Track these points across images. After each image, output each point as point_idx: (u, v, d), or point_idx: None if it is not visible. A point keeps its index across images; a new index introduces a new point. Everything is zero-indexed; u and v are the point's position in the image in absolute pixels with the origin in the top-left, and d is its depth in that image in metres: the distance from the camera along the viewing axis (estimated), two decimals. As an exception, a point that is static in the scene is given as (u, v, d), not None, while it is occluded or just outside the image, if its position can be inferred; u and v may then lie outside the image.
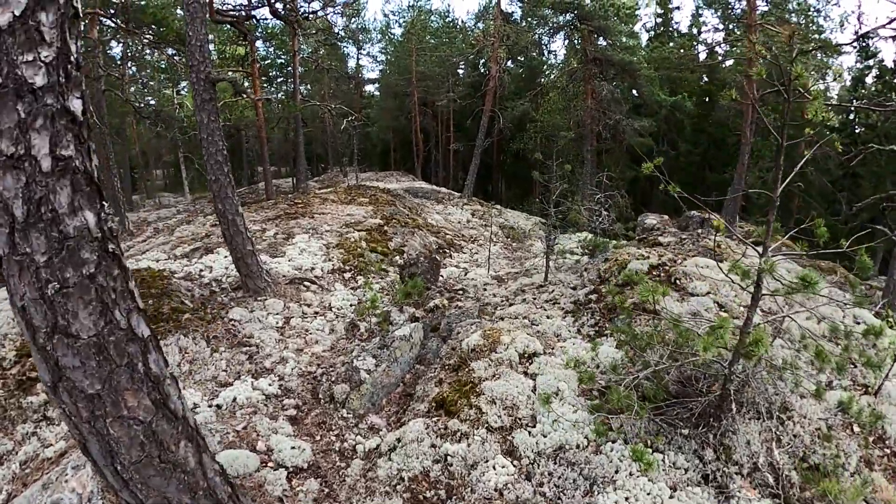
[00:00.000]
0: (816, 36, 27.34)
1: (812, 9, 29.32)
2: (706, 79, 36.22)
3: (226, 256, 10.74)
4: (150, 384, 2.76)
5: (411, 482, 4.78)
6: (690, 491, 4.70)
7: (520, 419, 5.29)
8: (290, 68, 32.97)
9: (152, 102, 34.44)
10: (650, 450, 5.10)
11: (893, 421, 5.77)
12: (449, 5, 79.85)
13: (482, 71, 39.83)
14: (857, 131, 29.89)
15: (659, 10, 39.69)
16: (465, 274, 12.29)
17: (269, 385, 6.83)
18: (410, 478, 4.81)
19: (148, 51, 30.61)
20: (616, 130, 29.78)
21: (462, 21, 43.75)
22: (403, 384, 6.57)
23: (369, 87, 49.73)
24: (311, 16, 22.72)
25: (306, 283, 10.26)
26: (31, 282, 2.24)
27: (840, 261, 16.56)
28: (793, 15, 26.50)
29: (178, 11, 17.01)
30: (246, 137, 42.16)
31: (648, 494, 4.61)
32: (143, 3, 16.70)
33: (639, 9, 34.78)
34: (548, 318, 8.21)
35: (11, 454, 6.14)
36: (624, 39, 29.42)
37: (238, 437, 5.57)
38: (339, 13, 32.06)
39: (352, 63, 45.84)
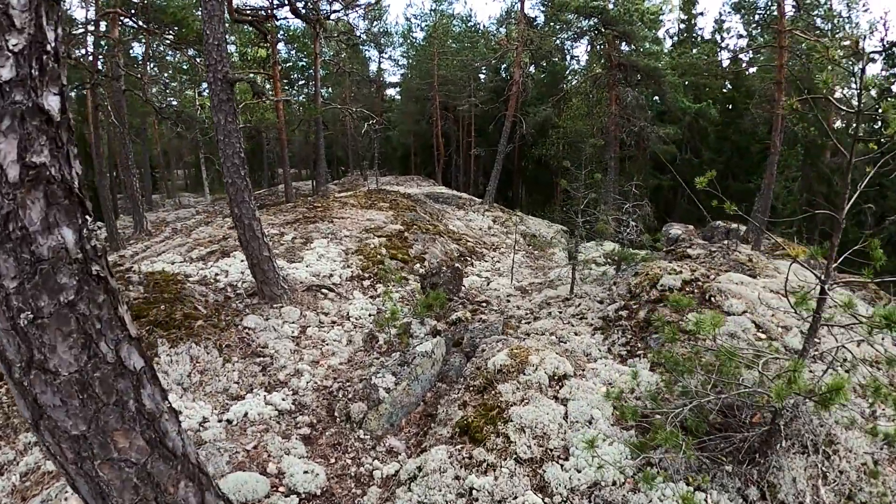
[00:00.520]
0: (845, 43, 26.66)
1: (840, 15, 28.63)
2: (729, 86, 35.52)
3: (242, 261, 10.45)
4: (143, 422, 2.40)
5: (433, 516, 4.39)
6: (739, 537, 4.27)
7: (551, 450, 4.88)
8: (311, 71, 32.88)
9: (174, 103, 34.55)
10: (692, 488, 4.67)
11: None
12: (471, 10, 79.76)
13: (503, 76, 39.49)
14: (882, 142, 29.04)
15: (682, 16, 39.12)
16: (488, 284, 11.89)
17: (283, 400, 6.49)
18: (432, 512, 4.43)
19: (170, 52, 30.71)
20: (640, 137, 29.25)
21: (484, 26, 43.34)
22: (424, 403, 6.19)
23: (390, 91, 49.64)
24: (332, 16, 22.48)
25: (324, 290, 9.93)
26: (0, 310, 1.89)
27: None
28: (821, 20, 25.85)
29: (198, 12, 16.87)
30: (266, 139, 42.17)
31: (693, 540, 4.19)
32: (163, 3, 16.56)
33: (663, 14, 34.27)
34: (576, 334, 7.79)
35: (12, 464, 5.85)
36: (647, 45, 28.89)
37: (248, 458, 5.22)
38: (361, 16, 31.99)
39: (373, 67, 45.78)
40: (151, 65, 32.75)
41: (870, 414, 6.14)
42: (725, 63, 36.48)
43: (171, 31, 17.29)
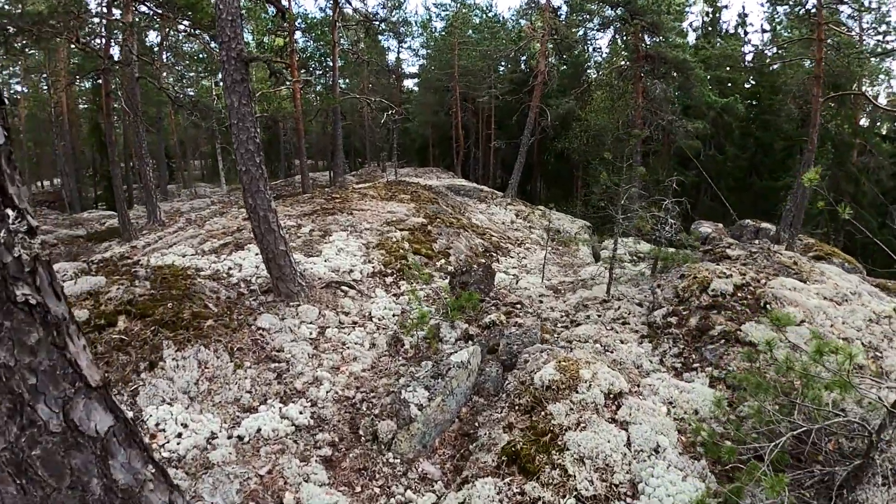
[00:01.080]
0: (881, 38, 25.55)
1: (881, 8, 27.37)
2: (753, 81, 34.34)
3: (256, 254, 9.77)
4: (118, 501, 1.68)
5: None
6: None
7: (616, 486, 4.13)
8: (329, 60, 32.22)
9: (191, 93, 34.03)
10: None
11: None
12: (491, 0, 78.27)
13: (524, 68, 38.56)
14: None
15: (707, 8, 37.90)
16: (517, 282, 11.12)
17: (300, 413, 5.79)
18: (477, 559, 3.70)
19: (186, 42, 30.21)
20: (666, 132, 28.27)
21: (503, 17, 42.50)
22: (459, 420, 5.47)
23: (408, 82, 48.90)
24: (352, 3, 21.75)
25: (344, 287, 9.23)
26: None
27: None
28: (847, 15, 24.72)
29: (211, -3, 16.27)
30: (283, 129, 41.63)
31: None
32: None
33: (689, 5, 33.17)
34: (622, 342, 7.03)
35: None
36: (673, 37, 27.85)
37: (262, 485, 4.53)
38: (380, 4, 31.20)
39: (392, 57, 45.00)
40: (168, 55, 32.29)
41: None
42: (748, 57, 35.40)
43: (185, 17, 16.66)
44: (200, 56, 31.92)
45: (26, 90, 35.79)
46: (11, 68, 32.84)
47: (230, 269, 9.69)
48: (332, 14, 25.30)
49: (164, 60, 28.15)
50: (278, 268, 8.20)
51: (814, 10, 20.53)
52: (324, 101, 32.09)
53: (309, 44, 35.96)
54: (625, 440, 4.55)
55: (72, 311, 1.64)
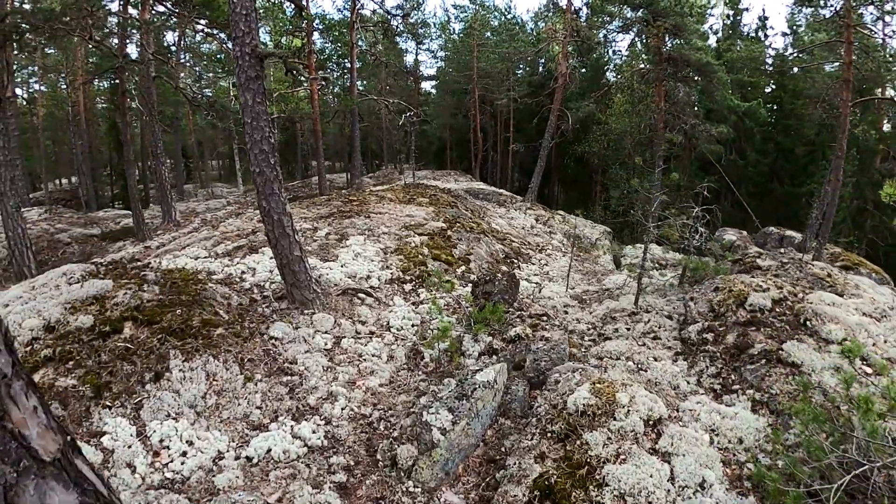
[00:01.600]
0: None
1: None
2: (773, 85, 33.57)
3: (271, 258, 9.41)
4: None
5: None
6: None
7: (663, 529, 3.70)
8: (347, 62, 32.01)
9: (209, 93, 33.98)
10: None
11: None
12: (510, 2, 77.95)
13: (542, 71, 38.09)
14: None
15: (728, 11, 37.14)
16: (539, 290, 10.68)
17: (313, 432, 5.40)
18: None
19: (204, 43, 30.11)
20: (688, 136, 27.66)
21: (522, 19, 42.13)
22: (484, 444, 5.05)
23: (425, 85, 48.60)
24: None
25: (361, 294, 8.84)
26: None
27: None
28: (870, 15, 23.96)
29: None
30: (301, 130, 41.52)
31: None
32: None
33: (711, 7, 32.53)
34: (655, 359, 6.57)
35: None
36: (695, 40, 27.26)
37: (269, 515, 4.15)
38: (398, 5, 30.92)
39: (410, 58, 44.77)
40: (188, 55, 32.25)
41: None
42: (769, 60, 34.61)
43: (201, 16, 16.45)
44: (218, 56, 31.86)
45: (45, 89, 35.96)
46: (30, 68, 33.01)
47: (243, 273, 9.36)
48: (350, 15, 25.09)
49: (181, 60, 28.03)
50: (293, 274, 7.84)
51: (842, 12, 19.89)
52: (341, 102, 31.86)
53: (327, 45, 35.81)
54: (668, 474, 4.11)
55: (19, 361, 1.25)
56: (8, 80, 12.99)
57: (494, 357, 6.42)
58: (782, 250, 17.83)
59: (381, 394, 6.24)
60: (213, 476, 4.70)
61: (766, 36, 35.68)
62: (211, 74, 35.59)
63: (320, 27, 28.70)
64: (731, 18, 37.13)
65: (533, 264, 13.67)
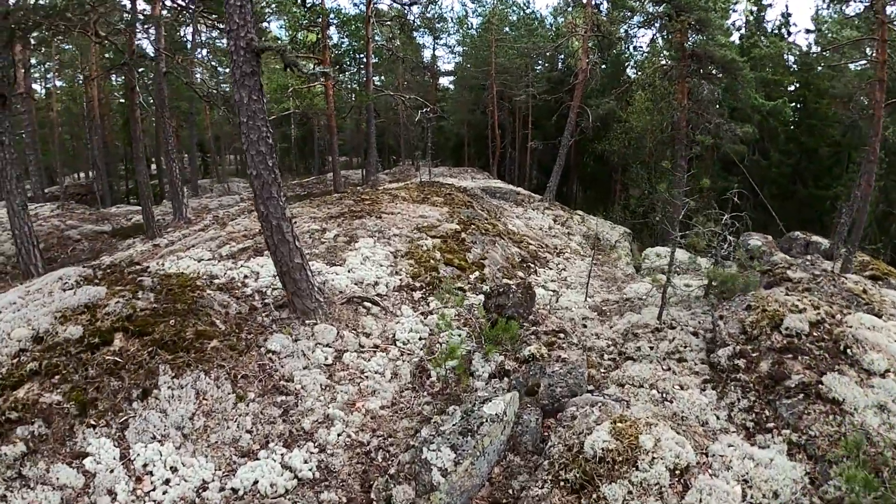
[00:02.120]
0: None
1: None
2: (797, 83, 32.54)
3: (275, 262, 9.03)
4: None
5: None
6: None
7: None
8: (363, 57, 31.63)
9: (226, 88, 33.72)
10: None
11: None
12: (529, -4, 76.85)
13: (561, 67, 37.40)
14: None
15: (752, 7, 36.08)
16: (556, 299, 10.14)
17: (305, 462, 4.97)
18: None
19: (221, 40, 29.82)
20: (713, 135, 26.85)
21: (541, 14, 41.49)
22: (490, 482, 4.58)
23: (443, 81, 48.06)
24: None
25: (367, 303, 8.40)
26: None
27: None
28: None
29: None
30: (317, 126, 41.26)
31: None
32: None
33: (735, 3, 31.57)
34: (681, 387, 6.01)
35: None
36: (720, 36, 26.43)
37: (249, 565, 3.72)
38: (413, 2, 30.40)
39: (427, 54, 44.21)
40: (204, 51, 32.07)
41: None
42: (791, 58, 33.60)
43: (212, 11, 16.11)
44: (234, 51, 31.47)
45: (63, 84, 36.06)
46: (48, 63, 33.05)
47: (246, 277, 8.96)
48: (365, 9, 24.67)
49: (195, 56, 27.83)
50: (293, 282, 7.41)
51: (875, 8, 19.00)
52: (357, 97, 31.45)
53: (343, 40, 35.44)
54: (700, 535, 3.61)
55: None
56: (16, 78, 12.72)
57: (506, 380, 5.92)
58: (808, 257, 17.08)
59: (382, 418, 5.79)
60: (193, 513, 4.28)
61: (789, 33, 34.65)
62: (227, 70, 35.36)
63: (335, 22, 28.27)
64: (755, 14, 36.12)
65: (550, 269, 13.14)
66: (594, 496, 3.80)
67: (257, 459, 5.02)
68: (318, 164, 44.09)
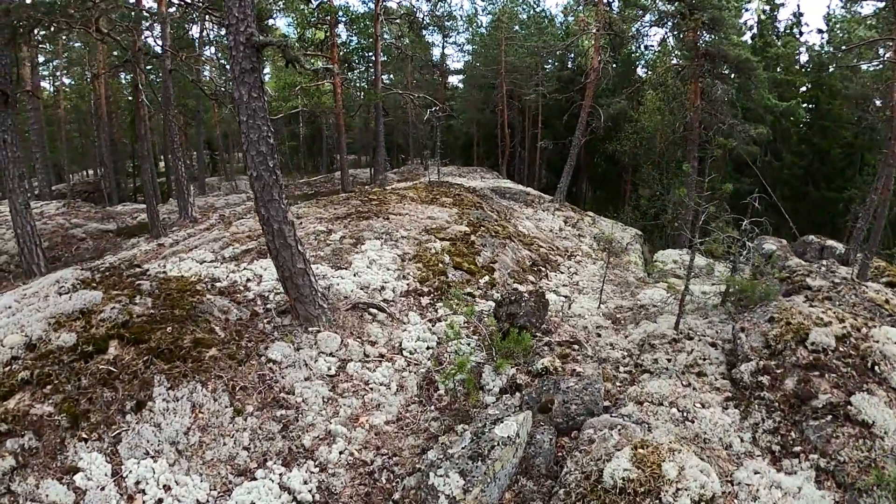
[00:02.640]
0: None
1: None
2: (809, 84, 31.98)
3: (278, 266, 8.74)
4: None
5: None
6: None
7: None
8: (371, 55, 31.41)
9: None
10: None
11: None
12: (539, -5, 76.27)
13: (571, 66, 37.00)
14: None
15: (764, 6, 35.53)
16: (569, 306, 9.80)
17: (305, 483, 4.69)
18: None
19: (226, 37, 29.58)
20: (726, 136, 26.41)
21: (551, 12, 41.07)
22: (501, 509, 4.28)
23: (452, 79, 47.72)
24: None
25: (373, 309, 8.11)
26: None
27: None
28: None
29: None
30: (326, 124, 41.07)
31: None
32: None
33: (748, 1, 31.07)
34: (702, 405, 5.68)
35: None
36: (733, 36, 25.99)
37: None
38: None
39: (436, 52, 43.90)
40: (212, 49, 31.86)
41: None
42: (804, 59, 33.09)
43: (217, 9, 15.86)
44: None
45: (71, 81, 35.99)
46: (56, 61, 33.01)
47: (248, 280, 8.69)
48: (374, 7, 24.42)
49: (202, 54, 27.65)
50: (296, 288, 7.13)
51: (893, 6, 18.49)
52: (366, 96, 31.18)
53: (352, 38, 35.19)
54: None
55: None
56: (20, 75, 12.50)
57: (517, 395, 5.61)
58: (824, 262, 16.65)
59: (387, 434, 5.49)
60: (184, 541, 4.01)
61: (801, 33, 34.12)
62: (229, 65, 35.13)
63: (344, 19, 28.03)
64: (768, 14, 35.58)
65: (562, 273, 12.81)
66: (615, 531, 3.50)
67: (254, 479, 4.74)
68: (326, 163, 43.91)
